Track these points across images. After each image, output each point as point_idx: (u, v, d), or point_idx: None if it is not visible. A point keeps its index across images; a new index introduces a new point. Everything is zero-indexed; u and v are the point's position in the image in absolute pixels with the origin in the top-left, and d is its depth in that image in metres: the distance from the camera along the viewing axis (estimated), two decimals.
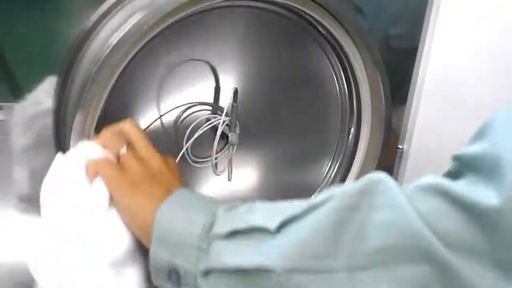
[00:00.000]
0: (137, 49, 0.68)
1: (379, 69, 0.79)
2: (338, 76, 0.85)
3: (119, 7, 0.75)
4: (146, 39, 0.67)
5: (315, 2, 0.73)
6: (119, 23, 0.69)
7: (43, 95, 0.78)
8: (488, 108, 0.77)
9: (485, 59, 0.75)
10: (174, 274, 0.56)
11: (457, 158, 0.49)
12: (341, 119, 0.87)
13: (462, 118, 0.79)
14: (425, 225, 0.45)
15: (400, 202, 0.46)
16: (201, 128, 0.77)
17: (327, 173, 0.89)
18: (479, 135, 0.48)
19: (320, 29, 0.79)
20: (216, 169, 0.80)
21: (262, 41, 0.79)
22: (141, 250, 0.61)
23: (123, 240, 0.60)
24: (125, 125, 0.64)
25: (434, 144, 0.80)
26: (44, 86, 0.78)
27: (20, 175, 0.81)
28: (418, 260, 0.45)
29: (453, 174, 0.49)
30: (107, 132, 0.64)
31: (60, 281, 0.58)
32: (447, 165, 0.49)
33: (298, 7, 0.74)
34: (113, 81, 0.68)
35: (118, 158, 0.63)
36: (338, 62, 0.83)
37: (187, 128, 0.77)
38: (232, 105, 0.77)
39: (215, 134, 0.77)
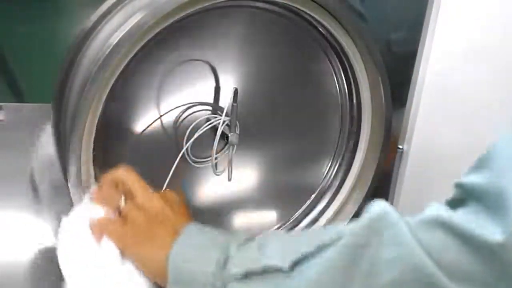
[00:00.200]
0: (137, 49, 0.68)
1: (379, 69, 0.79)
2: (338, 76, 0.84)
3: (119, 7, 0.75)
4: (146, 39, 0.67)
5: (315, 2, 0.73)
6: (119, 23, 0.69)
7: None
8: (488, 109, 0.78)
9: (484, 61, 0.76)
10: None
11: (459, 186, 0.50)
12: (341, 119, 0.87)
13: (462, 119, 0.79)
14: (428, 257, 0.47)
15: (405, 238, 0.48)
16: (201, 128, 0.77)
17: (327, 173, 0.89)
18: (482, 163, 0.49)
19: (320, 29, 0.79)
20: (216, 169, 0.80)
21: (262, 41, 0.79)
22: None
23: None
24: (119, 174, 0.66)
25: (434, 144, 0.80)
26: None
27: None
28: None
29: (456, 202, 0.50)
30: (104, 187, 0.67)
31: None
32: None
33: (298, 7, 0.74)
34: (113, 81, 0.68)
35: (119, 210, 0.65)
36: (338, 62, 0.83)
37: (187, 128, 0.77)
38: (232, 105, 0.77)
39: (215, 134, 0.76)
